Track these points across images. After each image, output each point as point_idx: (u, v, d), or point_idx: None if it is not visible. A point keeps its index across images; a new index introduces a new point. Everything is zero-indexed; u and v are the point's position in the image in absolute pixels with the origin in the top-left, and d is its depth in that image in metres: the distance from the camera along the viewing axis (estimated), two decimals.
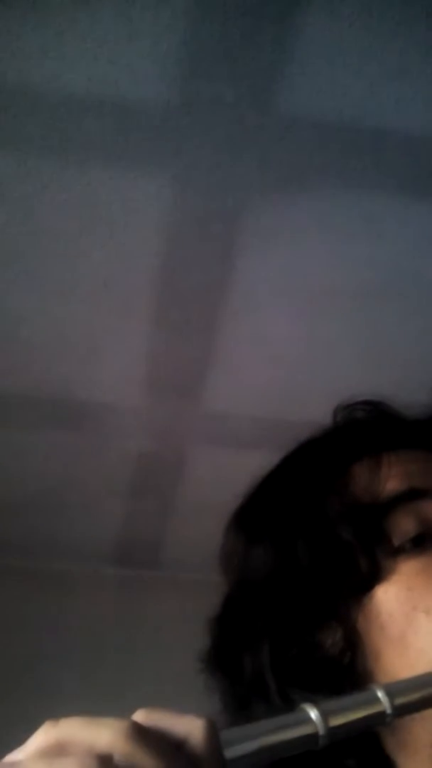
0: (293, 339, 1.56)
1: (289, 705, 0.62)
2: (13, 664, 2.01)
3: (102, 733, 0.44)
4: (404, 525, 0.65)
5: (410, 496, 0.66)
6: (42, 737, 0.45)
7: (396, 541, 0.65)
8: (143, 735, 0.44)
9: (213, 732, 0.46)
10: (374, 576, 0.64)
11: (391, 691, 0.54)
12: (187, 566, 2.03)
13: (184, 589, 2.03)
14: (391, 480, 0.68)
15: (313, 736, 0.50)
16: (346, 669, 0.64)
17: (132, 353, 1.59)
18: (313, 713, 0.50)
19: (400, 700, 0.54)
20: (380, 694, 0.54)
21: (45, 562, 2.14)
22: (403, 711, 0.54)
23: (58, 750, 0.44)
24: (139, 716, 0.46)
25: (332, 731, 0.50)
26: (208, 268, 1.42)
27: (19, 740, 0.48)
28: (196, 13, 1.07)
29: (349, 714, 0.52)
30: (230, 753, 0.46)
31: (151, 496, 1.97)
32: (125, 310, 1.50)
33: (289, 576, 0.67)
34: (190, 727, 0.45)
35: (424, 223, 1.35)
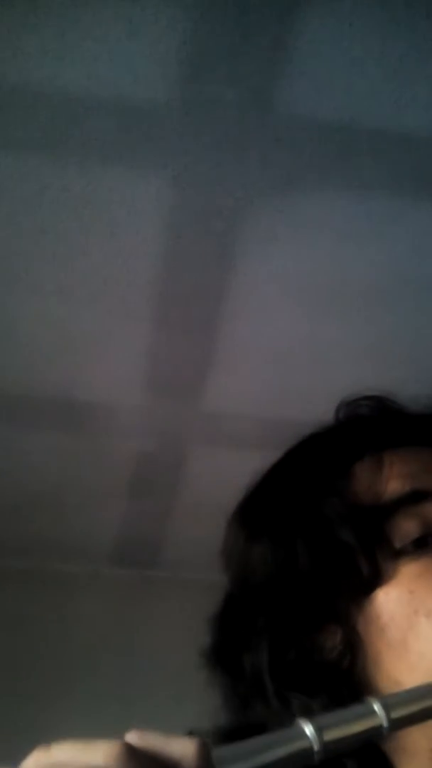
0: (293, 339, 1.56)
1: (287, 707, 0.63)
2: (13, 664, 2.01)
3: (94, 757, 0.43)
4: (406, 527, 0.65)
5: (413, 498, 0.65)
6: (33, 763, 0.44)
7: (397, 543, 0.64)
8: (136, 758, 0.43)
9: (205, 754, 0.45)
10: (375, 578, 0.64)
11: (388, 704, 0.53)
12: (186, 566, 2.03)
13: (184, 589, 2.04)
14: (393, 480, 0.67)
15: (308, 751, 0.49)
16: (345, 672, 0.64)
17: (132, 353, 1.59)
18: (308, 728, 0.50)
19: (396, 714, 0.53)
20: (377, 707, 0.53)
21: (45, 562, 2.14)
22: (399, 724, 0.54)
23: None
24: (132, 738, 0.45)
25: (328, 746, 0.50)
26: (208, 268, 1.42)
27: (20, 741, 0.48)
28: (196, 13, 1.07)
29: (345, 728, 0.52)
30: None
31: (151, 496, 1.97)
32: (125, 310, 1.50)
33: (288, 577, 0.67)
34: (182, 749, 0.45)
35: (424, 223, 1.35)
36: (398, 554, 0.64)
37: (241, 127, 1.20)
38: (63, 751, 0.44)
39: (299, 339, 1.56)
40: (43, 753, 0.45)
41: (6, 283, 1.45)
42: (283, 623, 0.66)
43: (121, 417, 1.74)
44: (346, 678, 0.64)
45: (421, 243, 1.38)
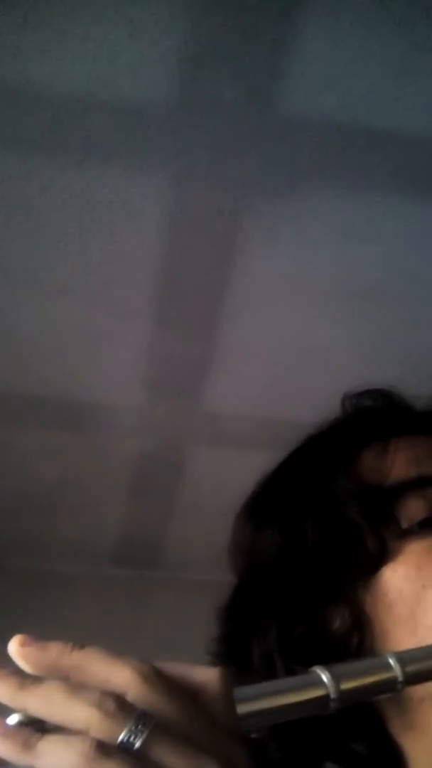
0: (293, 339, 1.56)
1: None
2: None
3: (120, 671, 0.43)
4: (413, 508, 0.65)
5: (420, 483, 0.66)
6: (64, 652, 0.44)
7: (404, 524, 0.65)
8: (160, 678, 0.43)
9: (228, 684, 0.45)
10: (381, 556, 0.65)
11: (403, 658, 0.54)
12: (187, 566, 2.03)
13: (184, 589, 2.04)
14: (399, 463, 0.68)
15: (324, 699, 0.50)
16: (354, 650, 0.64)
17: (132, 353, 1.59)
18: (325, 676, 0.50)
19: (411, 668, 0.54)
20: (392, 660, 0.54)
21: (45, 562, 2.14)
22: (414, 679, 0.54)
23: (76, 673, 0.43)
24: (157, 664, 0.45)
25: (343, 695, 0.50)
26: (208, 268, 1.42)
27: None
28: (196, 13, 1.07)
29: (361, 678, 0.52)
30: (241, 710, 0.46)
31: (151, 496, 1.97)
32: (125, 310, 1.50)
33: (296, 556, 0.67)
34: (206, 677, 0.45)
35: (424, 223, 1.35)
36: (405, 534, 0.65)
37: (241, 127, 1.20)
38: (93, 656, 0.44)
39: (299, 339, 1.56)
40: (75, 650, 0.44)
41: (6, 283, 1.45)
42: (292, 601, 0.66)
43: (121, 417, 1.74)
44: (356, 655, 0.64)
45: (421, 242, 1.38)
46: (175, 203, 1.31)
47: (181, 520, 2.02)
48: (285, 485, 0.73)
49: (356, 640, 0.64)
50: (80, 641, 0.46)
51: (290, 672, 0.63)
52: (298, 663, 0.63)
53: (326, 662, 0.62)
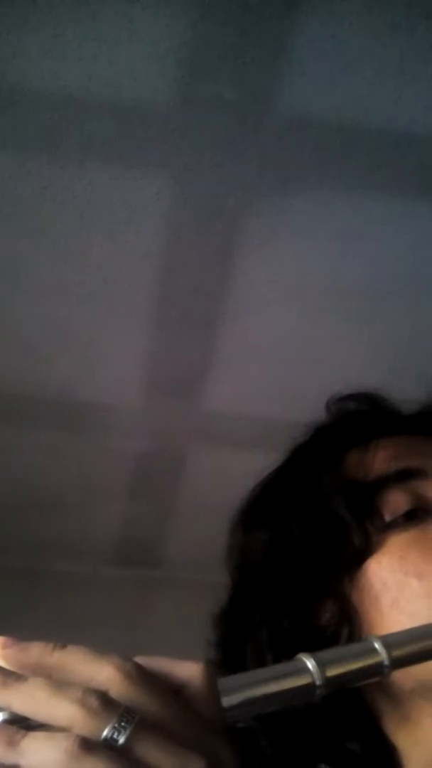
0: (293, 339, 1.56)
1: None
2: None
3: (103, 669, 0.43)
4: (396, 501, 0.66)
5: (401, 476, 0.67)
6: (46, 651, 0.44)
7: (387, 517, 0.66)
8: (142, 675, 0.43)
9: (212, 677, 0.45)
10: (366, 549, 0.65)
11: (389, 642, 0.54)
12: (186, 566, 2.03)
13: (184, 589, 2.03)
14: (380, 459, 0.69)
15: (310, 686, 0.49)
16: (345, 643, 0.64)
17: (132, 353, 1.59)
18: (310, 663, 0.50)
19: (397, 652, 0.53)
20: (377, 645, 0.53)
21: (45, 562, 2.14)
22: (400, 663, 0.54)
23: (58, 672, 0.43)
24: (140, 660, 0.45)
25: (329, 681, 0.50)
26: (208, 268, 1.42)
27: None
28: (196, 13, 1.07)
29: (346, 664, 0.52)
30: (227, 701, 0.46)
31: (151, 496, 1.97)
32: (125, 310, 1.50)
33: (283, 552, 0.68)
34: (189, 672, 0.45)
35: (424, 223, 1.35)
36: (388, 527, 0.66)
37: (241, 127, 1.20)
38: (75, 655, 0.44)
39: (299, 339, 1.56)
40: (57, 649, 0.45)
41: (6, 283, 1.45)
42: (280, 598, 0.67)
43: (121, 417, 1.74)
44: None
45: (420, 243, 1.38)
46: (175, 203, 1.31)
47: (181, 520, 2.02)
48: (273, 489, 0.74)
49: (346, 632, 0.65)
50: (64, 642, 0.46)
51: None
52: (288, 657, 0.64)
53: None
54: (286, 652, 0.63)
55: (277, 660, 0.64)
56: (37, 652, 0.44)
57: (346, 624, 0.65)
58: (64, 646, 0.45)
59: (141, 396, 1.69)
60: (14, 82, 1.14)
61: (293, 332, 1.55)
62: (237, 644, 0.68)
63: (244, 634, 0.68)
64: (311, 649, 0.62)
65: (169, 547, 2.14)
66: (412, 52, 1.11)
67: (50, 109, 1.17)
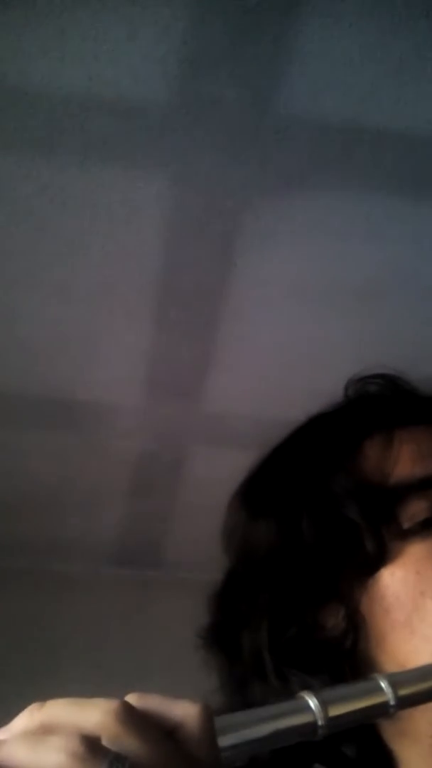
0: (293, 339, 1.56)
1: (286, 686, 0.61)
2: (13, 665, 2.01)
3: (90, 715, 0.42)
4: (414, 508, 0.63)
5: (424, 485, 0.64)
6: (26, 718, 0.43)
7: (405, 524, 0.63)
8: (134, 718, 0.42)
9: (209, 719, 0.44)
10: (380, 557, 0.63)
11: (395, 681, 0.52)
12: (187, 566, 2.03)
13: (184, 589, 2.03)
14: (403, 460, 0.66)
15: (312, 726, 0.48)
16: (348, 652, 0.63)
17: (132, 353, 1.59)
18: (312, 702, 0.48)
19: (404, 691, 0.51)
20: (383, 684, 0.51)
21: (45, 562, 2.14)
22: (406, 702, 0.52)
23: (43, 731, 0.42)
24: (132, 699, 0.44)
25: (332, 721, 0.48)
26: (208, 268, 1.42)
27: None
28: (196, 13, 1.07)
29: (350, 704, 0.50)
30: (224, 741, 0.44)
31: (151, 496, 1.97)
32: (125, 310, 1.50)
33: (291, 552, 0.65)
34: (185, 712, 0.43)
35: (424, 223, 1.35)
36: (405, 534, 0.63)
37: (241, 127, 1.20)
38: (57, 707, 0.43)
39: (299, 339, 1.56)
40: (37, 708, 0.43)
41: (6, 283, 1.45)
42: (284, 598, 0.64)
43: (121, 417, 1.74)
44: (349, 657, 0.62)
45: (420, 243, 1.38)
46: (175, 203, 1.31)
47: (181, 520, 2.02)
48: (283, 474, 0.70)
49: (350, 641, 0.62)
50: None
51: (281, 674, 0.62)
52: (289, 665, 0.62)
53: (318, 664, 0.61)
54: (288, 660, 0.62)
55: (277, 667, 0.62)
56: (21, 725, 0.43)
57: (351, 632, 0.63)
58: (42, 704, 0.43)
59: (141, 396, 1.69)
60: (15, 82, 1.14)
61: (293, 332, 1.55)
62: (232, 630, 0.66)
63: (241, 623, 0.66)
64: (314, 657, 0.61)
65: (169, 547, 2.14)
66: (412, 52, 1.11)
67: (50, 109, 1.17)
